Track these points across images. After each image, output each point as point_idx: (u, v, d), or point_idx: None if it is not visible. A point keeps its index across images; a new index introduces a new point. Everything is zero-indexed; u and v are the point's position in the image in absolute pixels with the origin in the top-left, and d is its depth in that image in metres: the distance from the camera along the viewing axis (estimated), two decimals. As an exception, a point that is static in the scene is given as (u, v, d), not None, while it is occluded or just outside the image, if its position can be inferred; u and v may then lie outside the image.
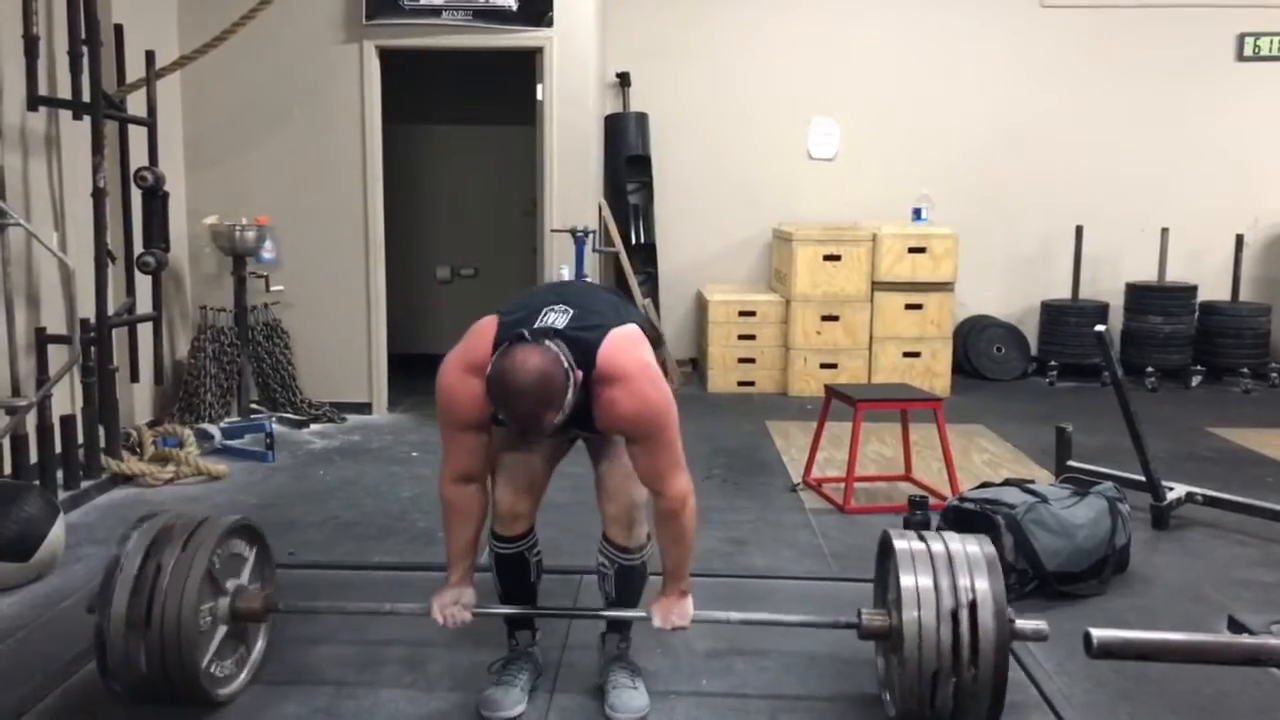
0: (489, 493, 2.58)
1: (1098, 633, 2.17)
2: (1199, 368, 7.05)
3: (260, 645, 2.77)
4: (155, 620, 2.43)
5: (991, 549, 2.50)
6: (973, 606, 2.36)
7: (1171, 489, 4.11)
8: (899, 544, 2.52)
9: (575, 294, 2.56)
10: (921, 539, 2.54)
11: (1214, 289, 7.23)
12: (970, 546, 2.49)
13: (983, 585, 2.39)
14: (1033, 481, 3.77)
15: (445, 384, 2.43)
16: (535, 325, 2.35)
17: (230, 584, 2.63)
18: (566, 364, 2.26)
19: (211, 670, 2.55)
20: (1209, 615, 3.24)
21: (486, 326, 2.43)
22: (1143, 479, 4.05)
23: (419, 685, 2.75)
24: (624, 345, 2.39)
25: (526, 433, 2.36)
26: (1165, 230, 7.01)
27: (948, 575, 2.41)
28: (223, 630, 2.59)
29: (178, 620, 2.43)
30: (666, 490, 2.45)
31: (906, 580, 2.43)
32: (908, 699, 2.40)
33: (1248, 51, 7.24)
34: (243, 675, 2.69)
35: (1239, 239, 7.12)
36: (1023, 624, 2.40)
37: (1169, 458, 4.86)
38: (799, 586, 3.48)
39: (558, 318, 2.38)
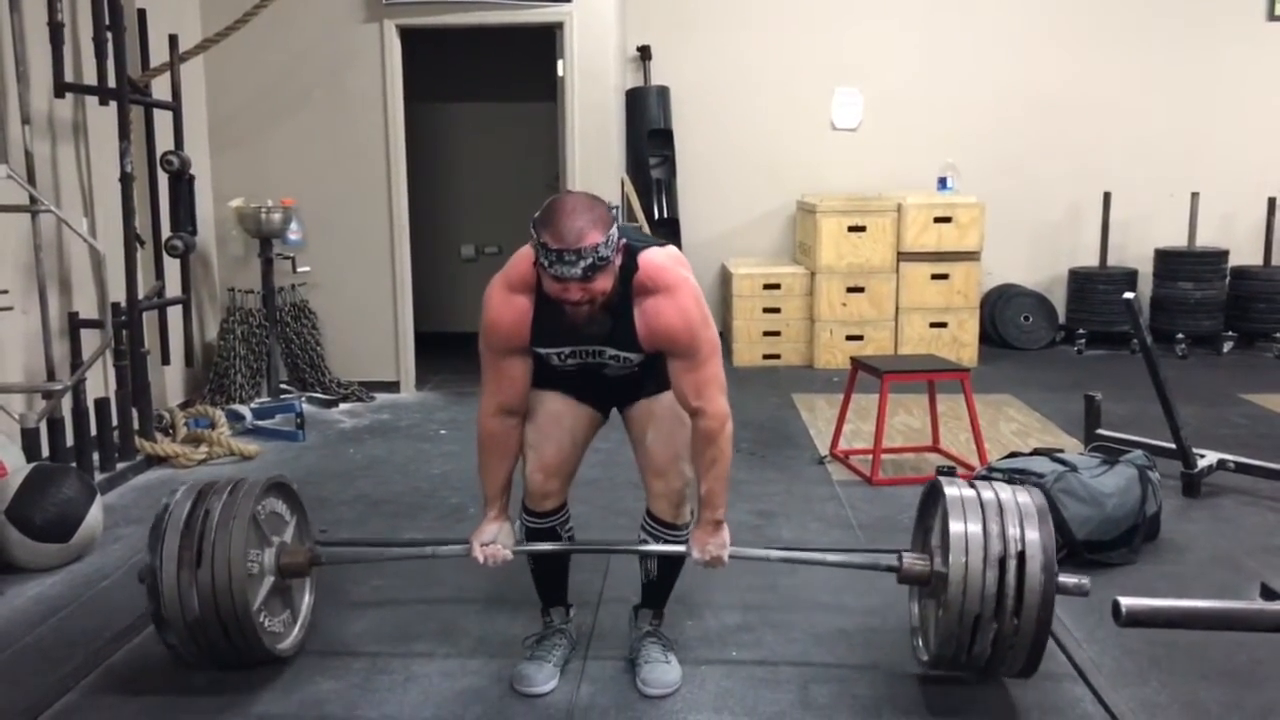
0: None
1: (1126, 601, 2.18)
2: (1230, 333, 6.97)
3: (308, 601, 2.82)
4: (206, 559, 2.48)
5: (1042, 500, 2.49)
6: (1020, 556, 2.35)
7: (1203, 456, 4.08)
8: (949, 490, 2.51)
9: (620, 226, 2.61)
10: (972, 486, 2.54)
11: (1246, 254, 7.14)
12: (1021, 497, 2.49)
13: (1032, 535, 2.38)
14: (1062, 451, 3.76)
15: (490, 304, 2.44)
16: None
17: (275, 539, 2.68)
18: (611, 211, 2.29)
19: (263, 621, 2.58)
20: (1242, 583, 3.22)
21: (527, 249, 2.41)
22: (1173, 447, 4.03)
23: (453, 658, 2.79)
24: (666, 260, 2.43)
25: (565, 261, 2.18)
26: (1195, 195, 6.92)
27: (997, 523, 2.41)
28: (269, 582, 2.63)
29: (228, 560, 2.47)
30: (708, 407, 2.42)
31: (956, 525, 2.42)
32: (945, 644, 2.40)
33: (1279, 11, 7.11)
34: (296, 632, 2.74)
35: (1271, 202, 7.02)
36: (1065, 578, 2.39)
37: (1200, 425, 4.82)
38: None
39: None
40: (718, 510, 2.53)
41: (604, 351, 2.45)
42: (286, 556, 2.69)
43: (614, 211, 2.33)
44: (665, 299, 2.37)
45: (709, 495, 2.51)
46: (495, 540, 2.58)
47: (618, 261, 2.29)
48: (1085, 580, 2.41)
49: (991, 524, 2.40)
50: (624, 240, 2.33)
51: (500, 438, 2.55)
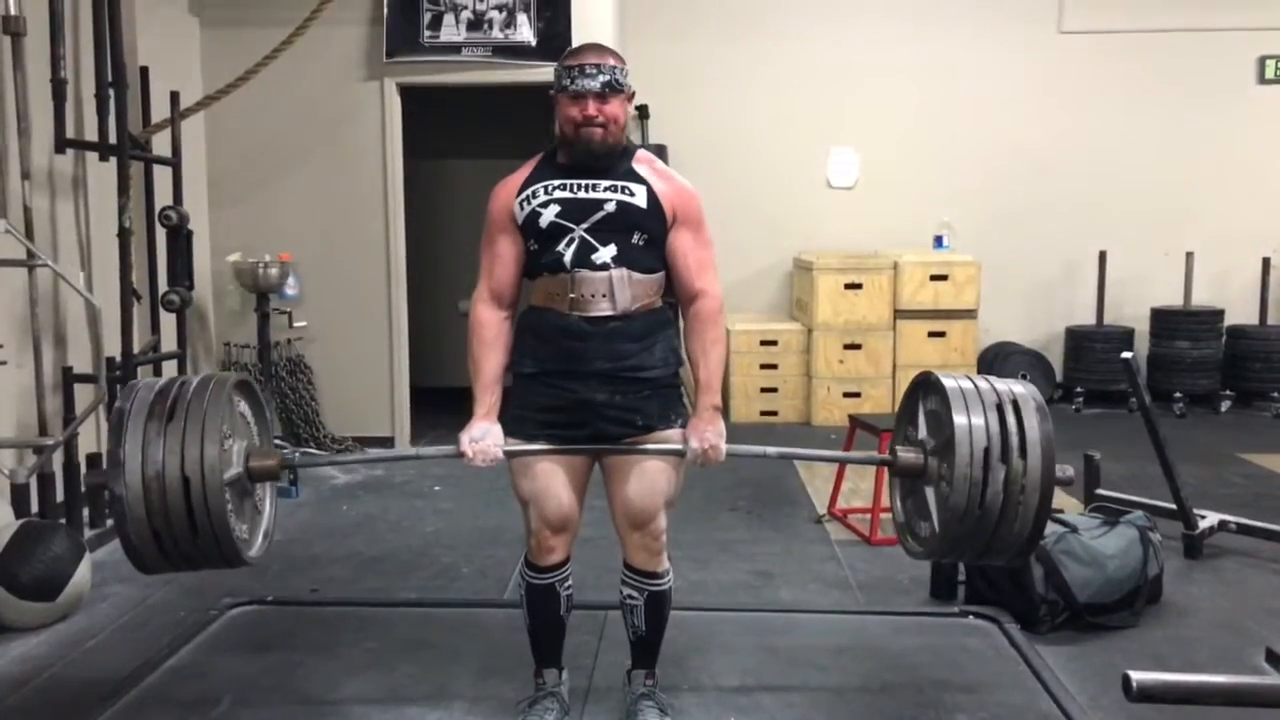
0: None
1: (1137, 676, 2.13)
2: (1228, 392, 6.97)
3: (269, 512, 2.63)
4: (179, 415, 2.27)
5: (1032, 387, 2.51)
6: (1015, 404, 2.39)
7: (1204, 517, 4.05)
8: (945, 380, 2.50)
9: None
10: (966, 377, 2.55)
11: (1241, 313, 7.15)
12: (1015, 386, 2.50)
13: (1020, 389, 2.45)
14: (1061, 511, 3.72)
15: (494, 191, 2.60)
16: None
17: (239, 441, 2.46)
18: None
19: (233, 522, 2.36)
20: (1246, 647, 3.18)
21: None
22: (1174, 507, 4.00)
23: (444, 723, 2.73)
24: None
25: (587, 75, 2.45)
26: (1190, 254, 6.96)
27: (985, 381, 2.47)
28: (236, 474, 2.41)
29: (202, 416, 2.27)
30: (710, 288, 2.52)
31: (950, 383, 2.46)
32: (955, 496, 2.34)
33: (1269, 74, 7.20)
34: (259, 540, 2.55)
35: (1265, 262, 7.05)
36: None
37: (1199, 484, 4.80)
38: (826, 620, 3.44)
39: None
40: (716, 395, 2.52)
41: (598, 185, 2.48)
42: (256, 457, 2.47)
43: None
44: (672, 172, 2.57)
45: (709, 380, 2.51)
46: (485, 438, 2.48)
47: (630, 96, 2.48)
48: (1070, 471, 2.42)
49: (980, 382, 2.47)
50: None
51: (492, 325, 2.56)
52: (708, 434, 2.47)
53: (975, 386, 2.45)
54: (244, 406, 2.56)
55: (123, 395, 2.36)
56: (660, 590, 2.59)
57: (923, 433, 2.56)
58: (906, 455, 2.55)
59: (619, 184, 2.48)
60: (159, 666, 3.01)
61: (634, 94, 2.52)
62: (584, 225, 2.46)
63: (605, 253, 2.45)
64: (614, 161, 2.50)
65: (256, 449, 2.54)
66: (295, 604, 3.55)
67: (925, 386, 2.58)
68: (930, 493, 2.50)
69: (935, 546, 2.48)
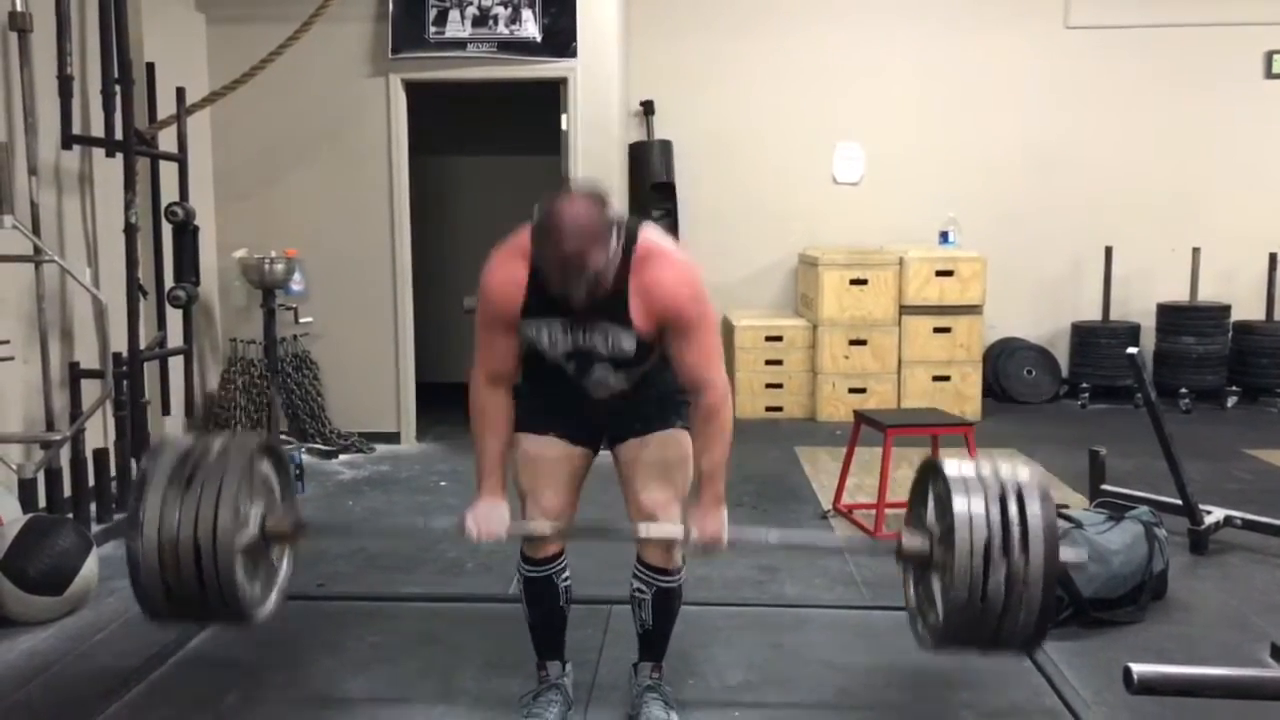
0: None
1: (1138, 668, 2.13)
2: (1234, 388, 6.95)
3: (285, 571, 2.65)
4: (197, 481, 2.34)
5: (1039, 471, 2.49)
6: (1019, 492, 2.33)
7: (1209, 513, 4.05)
8: (947, 468, 2.45)
9: None
10: (970, 463, 2.49)
11: (1247, 308, 7.14)
12: (1020, 471, 2.45)
13: (1025, 476, 2.38)
14: (1067, 506, 3.73)
15: (488, 270, 2.47)
16: None
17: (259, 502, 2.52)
18: (610, 211, 2.27)
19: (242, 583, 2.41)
20: (1251, 643, 3.18)
21: (527, 225, 2.40)
22: (1179, 503, 3.99)
23: (449, 717, 2.74)
24: (663, 238, 2.48)
25: (569, 279, 2.23)
26: (1196, 250, 6.94)
27: (996, 487, 2.38)
28: (251, 535, 2.45)
29: (218, 485, 2.33)
30: (713, 381, 2.44)
31: (953, 470, 2.41)
32: (957, 589, 2.31)
33: (1276, 69, 7.18)
34: (273, 598, 2.57)
35: (1272, 257, 7.03)
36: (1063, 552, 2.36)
37: (1205, 480, 4.78)
38: (831, 615, 3.44)
39: None
40: (718, 486, 2.49)
41: (597, 331, 2.41)
42: (273, 520, 2.53)
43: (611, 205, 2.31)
44: (666, 269, 2.39)
45: (711, 471, 2.47)
46: (491, 516, 2.49)
47: (618, 245, 2.29)
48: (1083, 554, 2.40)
49: (985, 468, 2.41)
50: (623, 223, 2.34)
51: (493, 408, 2.53)
52: (708, 524, 2.46)
53: (979, 475, 2.40)
54: (266, 468, 2.60)
55: (149, 455, 2.47)
56: (669, 587, 2.60)
57: (931, 517, 2.51)
58: (912, 542, 2.50)
59: (609, 331, 2.42)
60: (166, 660, 3.03)
61: (621, 224, 2.32)
62: (581, 353, 2.47)
63: (604, 369, 2.49)
64: (605, 295, 2.34)
65: (274, 512, 2.59)
66: (301, 598, 3.53)
67: (932, 472, 2.54)
68: (936, 582, 2.46)
69: (941, 636, 2.44)
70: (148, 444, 4.59)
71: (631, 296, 2.37)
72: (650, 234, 2.44)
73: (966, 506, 2.33)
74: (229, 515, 2.33)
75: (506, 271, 2.43)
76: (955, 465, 2.45)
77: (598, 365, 2.47)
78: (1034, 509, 2.32)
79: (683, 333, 2.41)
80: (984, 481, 2.37)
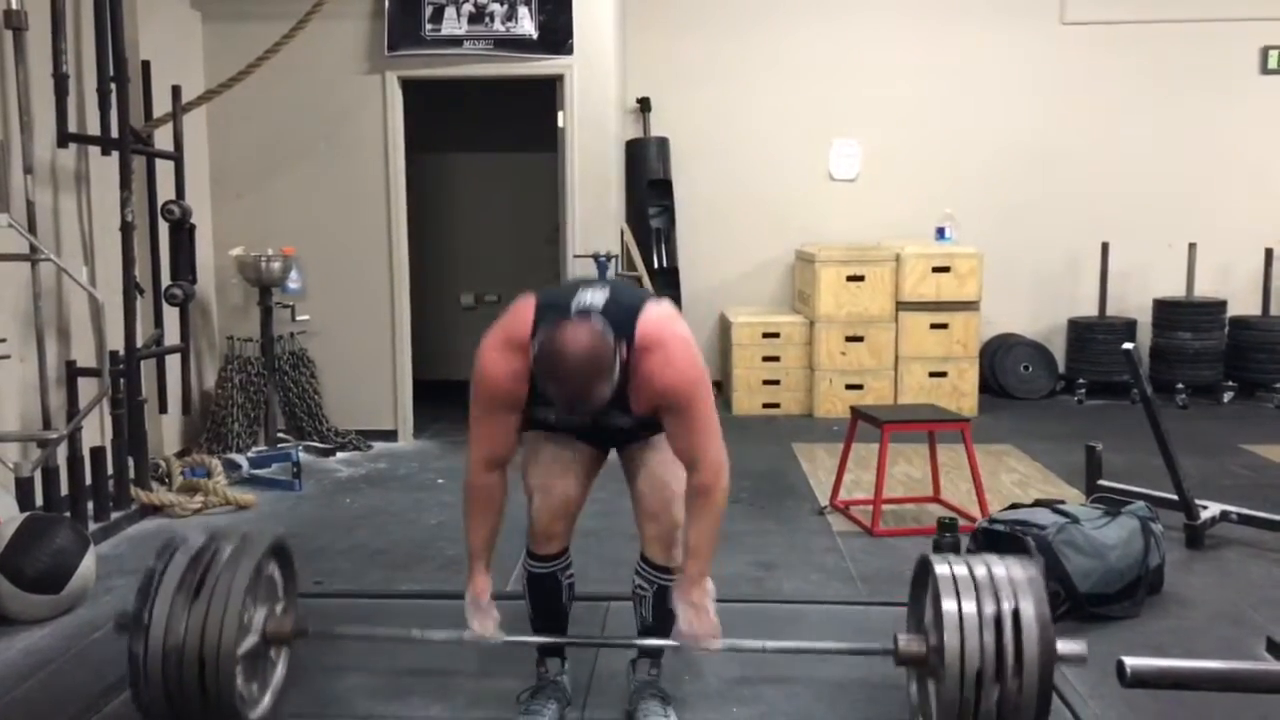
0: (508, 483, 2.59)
1: (1131, 661, 2.14)
2: (1230, 383, 6.96)
3: (281, 671, 2.73)
4: (206, 590, 2.40)
5: (1034, 570, 2.43)
6: (1015, 615, 2.30)
7: (1205, 508, 4.05)
8: (939, 568, 2.43)
9: (610, 281, 2.64)
10: (964, 563, 2.46)
11: (1244, 304, 7.15)
12: (1014, 570, 2.41)
13: (1026, 603, 2.32)
14: (1063, 502, 3.73)
15: (484, 360, 2.44)
16: (574, 303, 2.37)
17: (264, 605, 2.61)
18: (611, 337, 2.28)
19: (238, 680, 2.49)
20: (1247, 637, 3.19)
21: (524, 306, 2.43)
22: (1175, 498, 4.00)
23: (447, 715, 2.74)
24: (661, 318, 2.45)
25: (575, 410, 2.34)
26: (1193, 245, 6.95)
27: (990, 593, 2.34)
28: (252, 642, 2.54)
29: (226, 595, 2.40)
30: (704, 461, 2.43)
31: (949, 604, 2.34)
32: (948, 713, 2.31)
33: (1271, 64, 7.19)
34: (267, 699, 2.65)
35: (1268, 253, 7.04)
36: (1063, 645, 2.32)
37: (1202, 476, 4.79)
38: (828, 611, 3.45)
39: (596, 295, 2.40)
40: (704, 562, 2.49)
41: (606, 413, 2.44)
42: (274, 624, 2.62)
43: (606, 328, 2.30)
44: (662, 365, 2.39)
45: (697, 546, 2.48)
46: (486, 621, 2.57)
47: (619, 368, 2.31)
48: (1083, 649, 2.34)
49: (985, 595, 2.35)
50: (622, 340, 2.32)
51: (487, 492, 2.54)
52: (693, 596, 2.47)
53: (973, 578, 2.36)
54: (273, 569, 2.66)
55: (159, 554, 2.49)
56: (670, 585, 2.60)
57: (929, 619, 2.48)
58: (909, 646, 2.47)
59: (611, 417, 2.48)
60: (163, 659, 3.02)
61: (624, 344, 2.33)
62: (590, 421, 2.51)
63: (613, 418, 2.52)
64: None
65: (275, 615, 2.64)
66: (299, 596, 3.54)
67: (927, 572, 2.50)
68: (932, 688, 2.44)
69: None
70: (144, 443, 4.60)
71: (631, 391, 2.40)
72: (649, 320, 2.42)
73: (958, 633, 2.28)
74: (234, 626, 2.39)
75: (508, 364, 2.42)
76: (948, 564, 2.42)
77: (606, 418, 2.51)
78: (1030, 629, 2.27)
79: (677, 414, 2.43)
80: (980, 605, 2.31)
